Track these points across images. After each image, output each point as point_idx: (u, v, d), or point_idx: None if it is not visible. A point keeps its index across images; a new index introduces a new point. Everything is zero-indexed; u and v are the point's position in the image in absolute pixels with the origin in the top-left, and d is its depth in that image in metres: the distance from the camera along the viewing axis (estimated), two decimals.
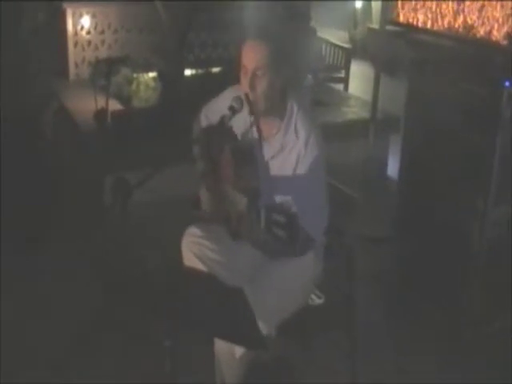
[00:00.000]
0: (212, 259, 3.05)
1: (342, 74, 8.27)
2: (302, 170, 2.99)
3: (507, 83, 3.76)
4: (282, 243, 2.45)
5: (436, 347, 4.01)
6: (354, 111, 6.55)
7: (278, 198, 2.94)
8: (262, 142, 3.10)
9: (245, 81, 2.98)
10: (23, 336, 3.92)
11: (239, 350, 2.91)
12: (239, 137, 3.08)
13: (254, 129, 3.11)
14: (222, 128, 2.91)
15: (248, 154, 2.98)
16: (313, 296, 3.22)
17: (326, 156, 3.07)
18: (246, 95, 2.96)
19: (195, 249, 3.08)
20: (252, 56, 2.95)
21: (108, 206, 4.03)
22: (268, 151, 3.08)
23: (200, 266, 3.03)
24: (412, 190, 4.47)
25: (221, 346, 3.05)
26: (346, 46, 8.72)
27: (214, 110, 3.23)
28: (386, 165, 6.08)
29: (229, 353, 2.98)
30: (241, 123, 3.09)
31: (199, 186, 3.17)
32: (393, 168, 5.58)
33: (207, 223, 3.16)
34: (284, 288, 2.97)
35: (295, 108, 3.05)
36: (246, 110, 3.01)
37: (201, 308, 2.45)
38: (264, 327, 2.76)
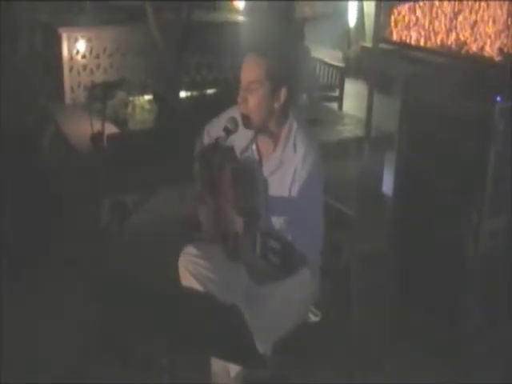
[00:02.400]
0: (207, 278, 3.06)
1: (336, 93, 8.29)
2: (298, 185, 2.99)
3: (499, 98, 3.79)
4: (276, 269, 2.44)
5: (436, 360, 4.00)
6: (348, 129, 6.56)
7: (275, 218, 2.96)
8: (261, 160, 3.12)
9: (239, 95, 3.01)
10: (22, 358, 3.92)
11: (234, 369, 2.92)
12: (239, 156, 3.10)
13: (254, 148, 3.13)
14: (217, 149, 2.92)
15: (247, 174, 2.98)
16: (309, 313, 3.23)
17: (324, 175, 3.09)
18: (241, 112, 2.99)
19: (191, 267, 3.10)
20: (246, 69, 2.99)
21: (106, 228, 4.04)
22: (267, 168, 3.09)
23: (196, 284, 3.04)
24: (407, 205, 4.49)
25: (216, 364, 3.06)
26: (340, 64, 8.75)
27: (216, 128, 3.25)
28: (381, 182, 6.09)
29: (224, 372, 2.99)
30: (240, 143, 3.11)
31: (197, 204, 3.19)
32: (388, 185, 5.59)
33: (204, 242, 3.18)
34: (280, 308, 2.97)
35: (295, 125, 3.06)
36: (242, 130, 3.03)
37: (197, 326, 2.46)
38: (260, 346, 2.76)
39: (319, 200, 3.07)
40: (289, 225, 2.90)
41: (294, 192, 3.00)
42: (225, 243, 2.94)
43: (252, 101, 2.98)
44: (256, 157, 3.12)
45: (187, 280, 3.08)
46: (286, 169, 3.04)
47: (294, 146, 3.04)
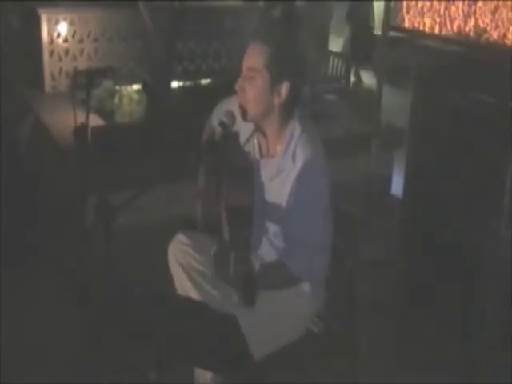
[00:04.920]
0: (196, 270, 3.16)
1: (342, 85, 8.30)
2: (297, 198, 2.95)
3: None
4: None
5: (448, 376, 4.01)
6: (354, 125, 6.57)
7: (271, 225, 3.04)
8: (260, 161, 3.11)
9: (238, 83, 3.02)
10: (8, 363, 3.93)
11: None
12: (239, 151, 3.11)
13: (256, 142, 3.12)
14: (211, 145, 2.94)
15: (241, 175, 3.00)
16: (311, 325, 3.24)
17: (330, 183, 3.02)
18: (239, 102, 3.00)
19: (180, 256, 3.20)
20: (247, 56, 3.01)
21: (90, 230, 4.05)
22: (266, 172, 3.08)
23: (182, 273, 3.14)
24: (418, 208, 4.49)
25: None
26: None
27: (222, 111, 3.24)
28: (389, 182, 6.10)
29: None
30: (243, 136, 3.12)
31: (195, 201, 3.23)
32: (397, 185, 5.60)
33: (195, 232, 3.23)
34: (274, 317, 3.00)
35: (298, 130, 3.02)
36: (241, 125, 3.04)
37: (187, 338, 2.47)
38: (256, 352, 2.85)
39: (321, 216, 2.99)
40: (287, 237, 2.96)
41: (293, 203, 2.96)
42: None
43: (249, 90, 2.98)
44: (257, 154, 3.12)
45: (174, 268, 3.20)
46: (285, 178, 2.99)
47: (293, 156, 2.98)
